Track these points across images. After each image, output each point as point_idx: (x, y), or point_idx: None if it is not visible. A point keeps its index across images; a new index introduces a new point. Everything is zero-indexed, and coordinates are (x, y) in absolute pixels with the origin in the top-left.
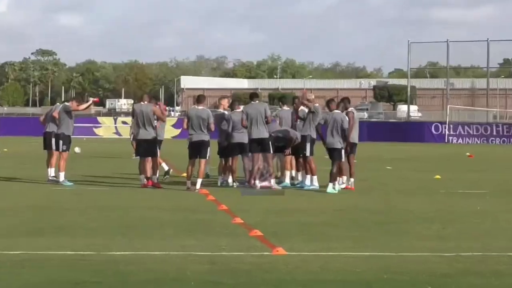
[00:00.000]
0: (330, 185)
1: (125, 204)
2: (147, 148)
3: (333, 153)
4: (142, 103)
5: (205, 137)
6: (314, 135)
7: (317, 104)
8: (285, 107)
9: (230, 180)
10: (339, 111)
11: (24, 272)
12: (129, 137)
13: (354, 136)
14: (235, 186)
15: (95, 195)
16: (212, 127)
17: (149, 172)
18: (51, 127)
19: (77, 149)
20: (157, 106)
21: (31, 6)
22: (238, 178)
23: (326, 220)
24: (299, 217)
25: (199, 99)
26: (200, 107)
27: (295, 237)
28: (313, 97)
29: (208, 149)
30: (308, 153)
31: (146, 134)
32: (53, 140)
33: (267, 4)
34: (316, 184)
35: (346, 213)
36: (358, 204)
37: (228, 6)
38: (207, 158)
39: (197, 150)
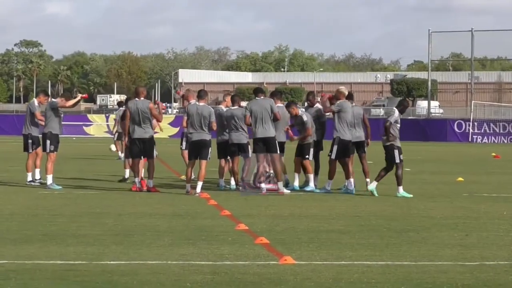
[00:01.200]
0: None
1: (119, 210)
2: (142, 148)
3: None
4: (137, 99)
5: (206, 136)
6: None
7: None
8: (279, 103)
9: (232, 182)
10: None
11: (10, 284)
12: (113, 136)
13: (361, 135)
14: (239, 189)
15: (86, 200)
16: (214, 125)
17: (142, 174)
18: (27, 129)
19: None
20: (156, 106)
21: None
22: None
23: (338, 227)
24: (309, 223)
25: (200, 95)
26: (201, 104)
27: (305, 245)
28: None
29: (209, 149)
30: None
31: (143, 132)
32: (40, 140)
33: None
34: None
35: (360, 219)
36: (374, 209)
37: None
38: (208, 159)
39: (197, 150)
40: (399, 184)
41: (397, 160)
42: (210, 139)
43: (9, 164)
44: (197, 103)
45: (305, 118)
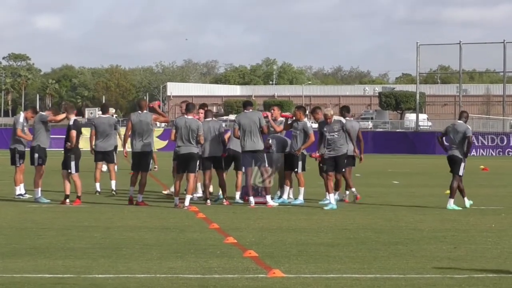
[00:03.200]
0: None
1: (107, 223)
2: (141, 161)
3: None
4: (139, 111)
5: (194, 149)
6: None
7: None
8: (348, 117)
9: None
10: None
11: None
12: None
13: (350, 149)
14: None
15: (75, 213)
16: (202, 139)
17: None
18: (14, 143)
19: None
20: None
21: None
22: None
23: (327, 240)
24: (298, 236)
25: (188, 108)
26: (189, 117)
27: (293, 258)
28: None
29: (198, 162)
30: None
31: (144, 146)
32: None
33: (261, 3)
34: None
35: (349, 232)
36: (362, 222)
37: (219, 6)
38: (196, 172)
39: (185, 163)
40: (451, 196)
41: (461, 173)
42: (198, 152)
43: None
44: (185, 116)
45: (308, 125)
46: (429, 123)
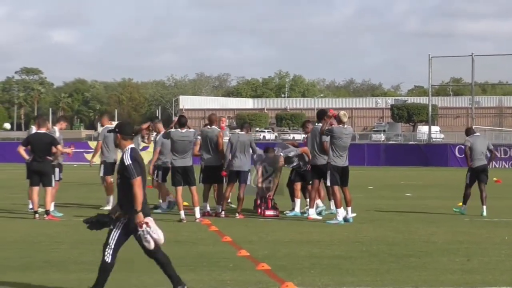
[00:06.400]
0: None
1: None
2: (215, 174)
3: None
4: (208, 127)
5: (190, 162)
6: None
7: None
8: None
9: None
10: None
11: None
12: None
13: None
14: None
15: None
16: (196, 150)
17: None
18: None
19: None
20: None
21: (13, 22)
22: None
23: (340, 252)
24: (310, 249)
25: (180, 122)
26: (184, 130)
27: (306, 271)
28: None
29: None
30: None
31: (215, 160)
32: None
33: (274, 17)
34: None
35: (361, 245)
36: (375, 234)
37: (231, 19)
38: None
39: (183, 176)
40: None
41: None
42: (192, 164)
43: (10, 191)
44: (179, 129)
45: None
46: (442, 135)
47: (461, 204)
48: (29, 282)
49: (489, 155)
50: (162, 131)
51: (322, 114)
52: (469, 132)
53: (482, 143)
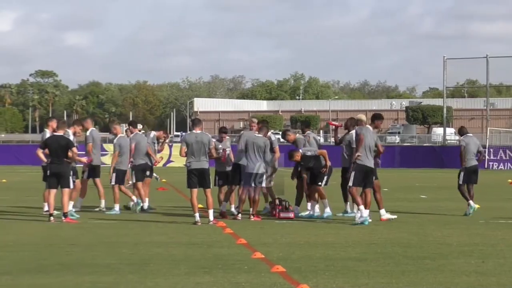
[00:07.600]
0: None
1: (135, 239)
2: (234, 174)
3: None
4: (195, 131)
5: (206, 164)
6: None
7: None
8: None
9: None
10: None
11: None
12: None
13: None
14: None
15: (102, 229)
16: (214, 152)
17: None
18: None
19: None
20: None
21: (28, 25)
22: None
23: (354, 254)
24: (325, 251)
25: (194, 123)
26: (198, 131)
27: (321, 273)
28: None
29: (210, 177)
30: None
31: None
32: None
33: (289, 19)
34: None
35: (376, 247)
36: (390, 236)
37: (246, 21)
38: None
39: (199, 179)
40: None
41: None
42: (209, 167)
43: (25, 194)
44: (194, 131)
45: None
46: (457, 137)
47: (477, 205)
48: (43, 284)
49: (477, 157)
50: (120, 133)
51: (353, 122)
52: (462, 131)
53: (475, 144)
